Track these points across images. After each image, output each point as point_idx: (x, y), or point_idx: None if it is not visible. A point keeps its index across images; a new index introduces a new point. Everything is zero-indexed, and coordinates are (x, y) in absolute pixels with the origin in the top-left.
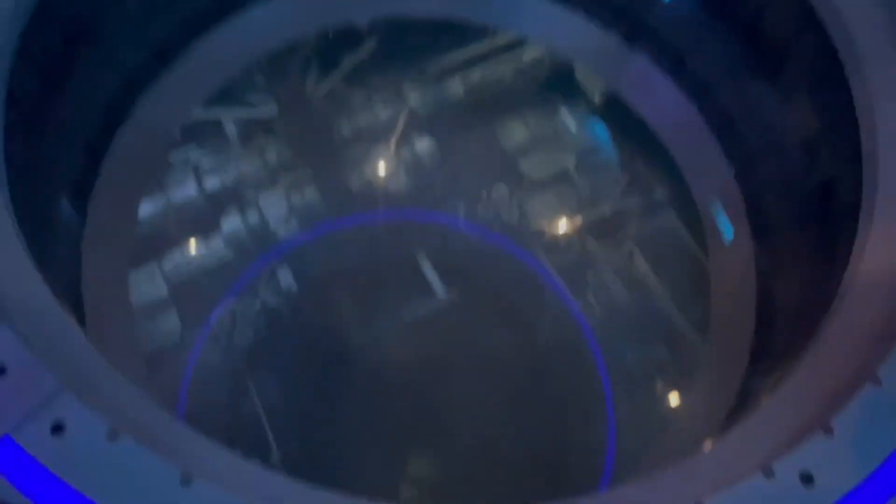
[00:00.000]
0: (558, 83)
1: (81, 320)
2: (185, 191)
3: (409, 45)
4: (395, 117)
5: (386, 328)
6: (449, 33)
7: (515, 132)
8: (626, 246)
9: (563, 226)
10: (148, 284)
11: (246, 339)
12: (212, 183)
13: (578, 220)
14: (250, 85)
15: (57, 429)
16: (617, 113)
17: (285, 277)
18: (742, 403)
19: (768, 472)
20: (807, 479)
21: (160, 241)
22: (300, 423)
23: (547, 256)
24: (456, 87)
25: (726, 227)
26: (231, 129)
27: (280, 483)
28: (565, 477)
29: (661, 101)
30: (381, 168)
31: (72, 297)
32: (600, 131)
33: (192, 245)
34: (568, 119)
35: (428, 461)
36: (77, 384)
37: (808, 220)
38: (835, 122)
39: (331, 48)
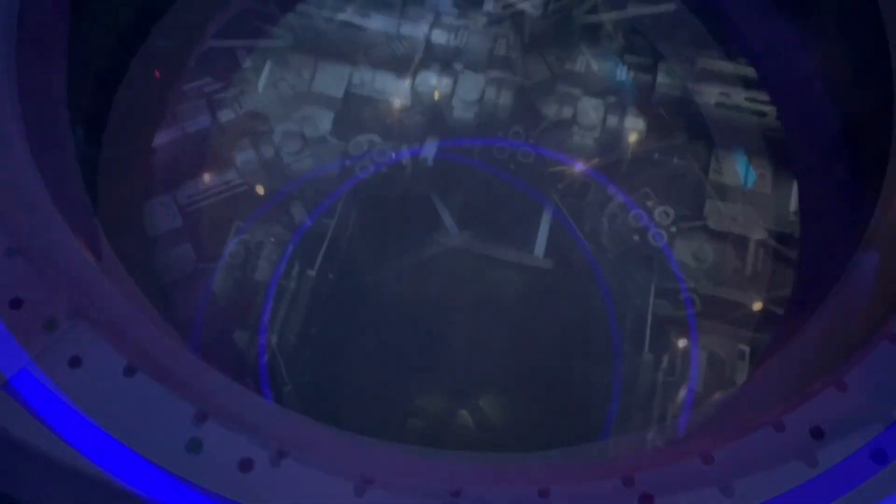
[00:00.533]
0: (581, 22)
1: (97, 252)
2: (199, 122)
3: None
4: (413, 53)
5: (398, 265)
6: None
7: (535, 72)
8: (642, 190)
9: (579, 168)
10: (163, 216)
11: (259, 272)
12: (226, 114)
13: (595, 162)
14: (265, 14)
15: (74, 362)
16: (640, 54)
17: (298, 212)
18: (753, 355)
19: (779, 426)
20: (817, 434)
21: (174, 172)
22: (311, 358)
23: (561, 198)
24: (476, 23)
25: (747, 173)
26: (245, 59)
27: (289, 420)
28: (569, 420)
29: (687, 42)
30: (397, 105)
31: (87, 229)
32: (622, 73)
33: (207, 177)
34: (590, 60)
35: (435, 398)
36: (93, 317)
37: (832, 168)
38: (866, 66)
39: None
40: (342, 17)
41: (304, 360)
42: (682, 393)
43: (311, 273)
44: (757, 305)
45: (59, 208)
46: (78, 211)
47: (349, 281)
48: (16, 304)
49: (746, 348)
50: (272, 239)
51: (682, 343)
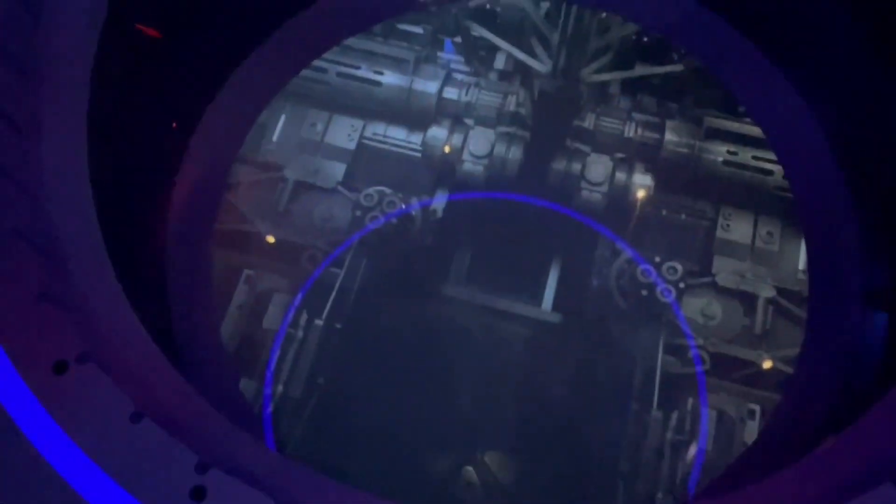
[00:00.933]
0: (590, 81)
1: (108, 292)
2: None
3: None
4: (425, 108)
5: (406, 316)
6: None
7: (544, 128)
8: (650, 246)
9: (587, 222)
10: (175, 259)
11: (267, 320)
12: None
13: (603, 217)
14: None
15: (83, 398)
16: (648, 113)
17: (308, 261)
18: (763, 413)
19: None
20: None
21: (189, 215)
22: (317, 407)
23: (569, 253)
24: (487, 80)
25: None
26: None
27: (292, 471)
28: (576, 478)
29: (694, 101)
30: (408, 158)
31: (99, 268)
32: (630, 131)
33: (219, 224)
34: (598, 117)
35: (441, 453)
36: (105, 349)
37: (840, 228)
38: (871, 126)
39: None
40: (357, 72)
41: (310, 409)
42: (692, 452)
43: (319, 322)
44: (766, 364)
45: (74, 248)
46: (90, 249)
47: (356, 331)
48: (29, 342)
49: (756, 407)
50: (281, 287)
51: (690, 401)
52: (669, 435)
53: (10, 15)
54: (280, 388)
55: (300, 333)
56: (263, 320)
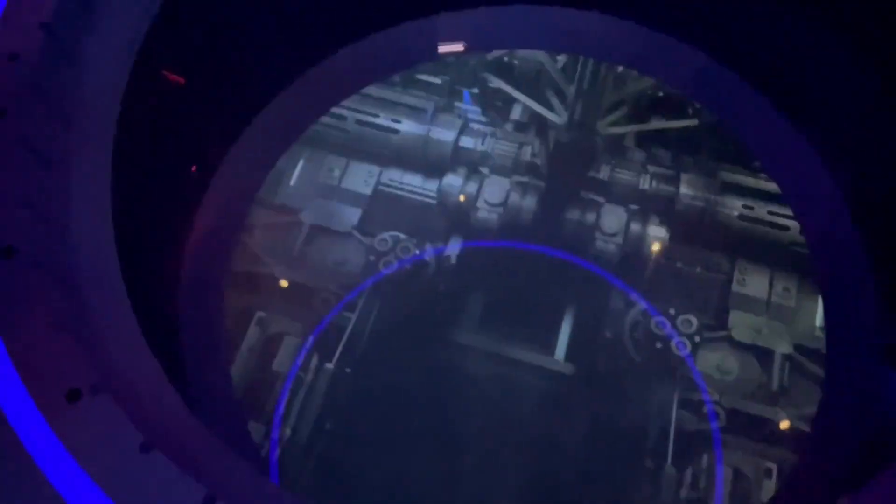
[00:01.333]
0: (605, 133)
1: (123, 327)
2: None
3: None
4: (441, 156)
5: (417, 363)
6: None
7: (559, 178)
8: (665, 298)
9: (601, 273)
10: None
11: (278, 362)
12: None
13: (617, 268)
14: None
15: (94, 428)
16: (663, 166)
17: (320, 304)
18: (780, 473)
19: None
20: None
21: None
22: (323, 453)
23: (583, 303)
24: (503, 129)
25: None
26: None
27: None
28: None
29: (709, 155)
30: (424, 204)
31: (116, 303)
32: (645, 183)
33: (233, 265)
34: (613, 169)
35: (453, 477)
36: (118, 381)
37: (856, 284)
38: (887, 183)
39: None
40: (375, 120)
41: (316, 454)
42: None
43: (329, 366)
44: (783, 421)
45: (94, 281)
46: (109, 284)
47: (367, 376)
48: (44, 370)
49: (773, 466)
50: (292, 330)
51: (706, 457)
52: (684, 492)
53: (48, 58)
54: (288, 431)
55: (310, 377)
56: (274, 363)
